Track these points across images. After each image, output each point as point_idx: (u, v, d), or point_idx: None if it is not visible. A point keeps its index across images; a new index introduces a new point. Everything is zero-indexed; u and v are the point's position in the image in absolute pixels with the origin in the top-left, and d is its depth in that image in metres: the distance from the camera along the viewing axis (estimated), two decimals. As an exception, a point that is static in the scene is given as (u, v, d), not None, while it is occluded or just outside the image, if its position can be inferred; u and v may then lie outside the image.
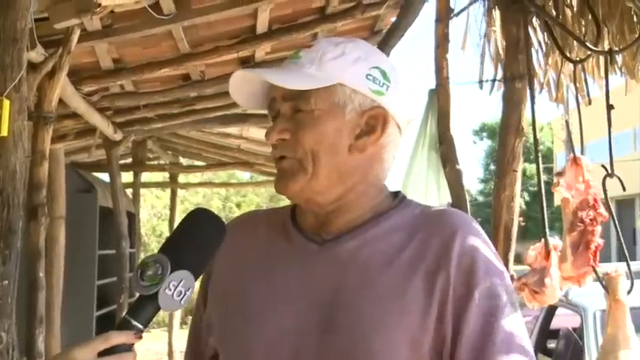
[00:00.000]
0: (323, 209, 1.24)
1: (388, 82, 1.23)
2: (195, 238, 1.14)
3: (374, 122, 1.22)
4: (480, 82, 3.48)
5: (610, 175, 2.29)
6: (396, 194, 1.29)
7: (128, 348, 1.08)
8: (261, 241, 1.30)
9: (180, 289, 1.08)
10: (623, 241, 2.50)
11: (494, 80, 3.40)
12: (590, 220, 2.63)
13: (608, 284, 2.58)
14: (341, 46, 1.23)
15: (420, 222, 1.22)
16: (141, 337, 1.09)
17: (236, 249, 1.29)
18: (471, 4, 3.47)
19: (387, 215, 1.23)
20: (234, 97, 1.29)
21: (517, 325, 1.16)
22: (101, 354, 1.06)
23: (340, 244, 1.22)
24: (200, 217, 1.18)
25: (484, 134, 39.78)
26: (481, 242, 1.20)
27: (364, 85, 1.21)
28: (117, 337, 1.07)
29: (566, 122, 2.86)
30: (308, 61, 1.22)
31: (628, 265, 2.53)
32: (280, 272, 1.24)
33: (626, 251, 2.46)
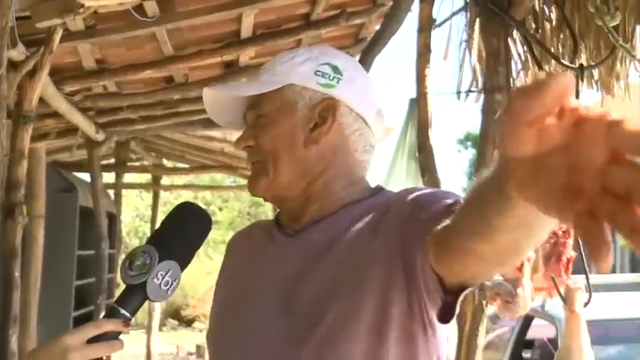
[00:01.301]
0: (294, 202, 1.29)
1: (340, 75, 1.28)
2: (182, 230, 1.18)
3: (325, 113, 1.27)
4: (460, 92, 3.51)
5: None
6: (376, 188, 1.33)
7: (115, 336, 1.12)
8: (252, 246, 1.37)
9: (168, 278, 1.13)
10: (584, 253, 2.54)
11: (474, 91, 3.43)
12: (563, 232, 2.66)
13: (565, 296, 2.63)
14: (293, 52, 1.31)
15: (378, 203, 1.26)
16: (128, 325, 1.13)
17: (235, 259, 1.40)
18: (453, 15, 3.51)
19: (356, 205, 1.27)
20: (219, 122, 1.36)
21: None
22: (90, 341, 1.09)
23: (308, 233, 1.27)
24: (186, 210, 1.23)
25: (469, 143, 39.81)
26: (418, 188, 1.27)
27: (313, 81, 1.27)
28: (107, 325, 1.11)
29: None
30: (264, 70, 1.31)
31: (587, 277, 2.57)
32: (260, 269, 1.31)
33: (586, 264, 2.50)
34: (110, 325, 1.11)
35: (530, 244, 0.89)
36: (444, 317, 1.09)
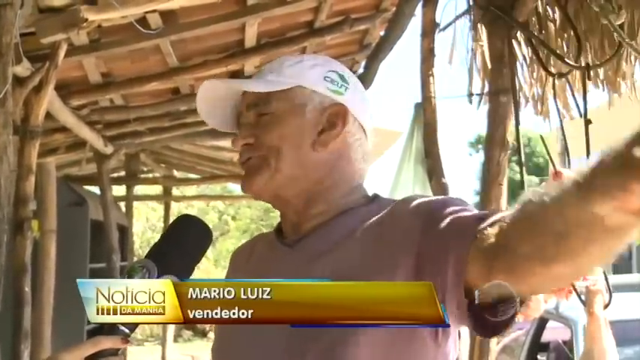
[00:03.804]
0: (294, 206, 1.27)
1: (347, 84, 1.30)
2: (181, 244, 1.16)
3: (334, 119, 1.27)
4: (468, 95, 3.49)
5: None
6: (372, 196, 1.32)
7: (114, 352, 1.10)
8: (254, 258, 1.36)
9: None
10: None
11: (480, 94, 3.42)
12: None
13: (585, 298, 2.58)
14: (299, 57, 1.32)
15: (376, 210, 1.25)
16: (127, 342, 1.10)
17: (237, 271, 1.38)
18: (456, 19, 3.49)
19: (354, 211, 1.26)
20: (207, 121, 1.34)
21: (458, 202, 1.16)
22: (88, 358, 1.07)
23: (307, 241, 1.25)
24: (185, 223, 1.21)
25: (480, 146, 39.73)
26: (418, 196, 1.24)
27: (323, 86, 1.28)
28: (105, 342, 1.08)
29: (542, 137, 2.86)
30: (269, 70, 1.30)
31: (606, 278, 2.53)
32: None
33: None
34: (108, 343, 1.08)
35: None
36: (492, 330, 1.06)
